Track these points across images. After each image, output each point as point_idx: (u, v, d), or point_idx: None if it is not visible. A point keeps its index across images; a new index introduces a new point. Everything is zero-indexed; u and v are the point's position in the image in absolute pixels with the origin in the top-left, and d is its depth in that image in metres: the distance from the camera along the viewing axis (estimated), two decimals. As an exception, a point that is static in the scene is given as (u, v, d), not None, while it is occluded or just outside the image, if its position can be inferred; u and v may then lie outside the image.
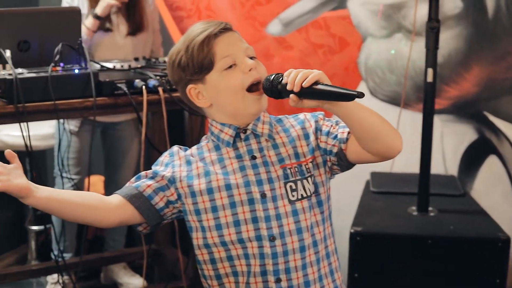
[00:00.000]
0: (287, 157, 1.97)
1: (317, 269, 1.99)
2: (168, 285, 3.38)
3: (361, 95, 1.70)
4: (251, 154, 1.97)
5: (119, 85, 2.95)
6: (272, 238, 1.94)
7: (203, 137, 2.08)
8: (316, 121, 2.00)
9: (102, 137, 4.09)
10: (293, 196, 1.95)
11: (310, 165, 1.98)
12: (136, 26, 3.81)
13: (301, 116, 2.03)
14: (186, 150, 2.07)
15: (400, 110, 3.61)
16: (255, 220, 1.94)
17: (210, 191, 1.96)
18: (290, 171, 1.95)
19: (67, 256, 4.00)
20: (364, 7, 3.80)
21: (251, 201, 1.94)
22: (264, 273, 1.96)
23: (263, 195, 1.94)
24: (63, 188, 3.81)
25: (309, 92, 1.77)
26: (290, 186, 1.95)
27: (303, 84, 1.76)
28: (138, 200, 2.00)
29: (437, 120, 3.58)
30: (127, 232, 4.28)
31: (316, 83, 1.76)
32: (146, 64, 3.38)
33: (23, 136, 2.81)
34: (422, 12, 3.34)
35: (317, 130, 1.99)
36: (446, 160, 3.75)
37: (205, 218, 1.97)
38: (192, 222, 2.00)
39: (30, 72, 2.86)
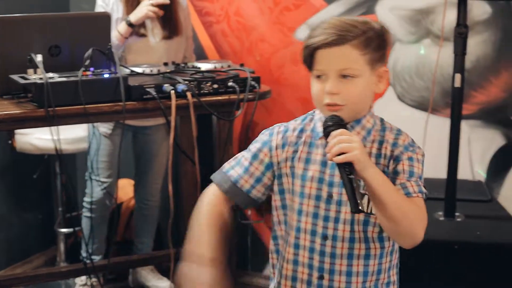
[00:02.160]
0: None
1: (362, 281, 2.02)
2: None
3: (357, 211, 1.77)
4: None
5: (148, 89, 2.98)
6: (324, 237, 2.00)
7: (313, 111, 2.11)
8: (402, 153, 1.96)
9: (133, 140, 4.12)
10: None
11: None
12: (171, 30, 3.82)
13: (401, 140, 1.99)
14: (286, 129, 2.11)
15: (427, 115, 3.61)
16: (315, 215, 2.01)
17: (292, 175, 2.04)
18: (362, 183, 1.95)
19: (96, 258, 4.04)
20: (392, 12, 3.80)
21: (318, 198, 2.01)
22: (310, 266, 2.03)
23: (330, 196, 1.99)
24: (93, 191, 3.86)
25: (337, 166, 1.83)
26: None
27: (334, 158, 1.80)
28: (237, 195, 2.09)
29: (465, 125, 3.57)
30: (156, 235, 4.32)
31: (347, 163, 1.80)
32: (175, 69, 3.41)
33: (53, 139, 2.85)
34: (450, 17, 3.34)
35: (395, 160, 1.97)
36: (473, 166, 3.74)
37: (286, 198, 2.08)
38: (276, 200, 2.11)
39: (61, 77, 2.89)
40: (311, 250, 2.02)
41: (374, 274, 2.04)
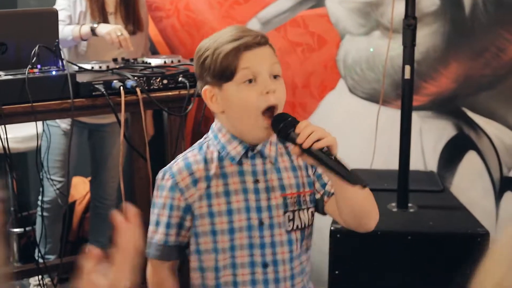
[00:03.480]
0: (288, 186, 1.95)
1: None
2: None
3: (358, 182, 1.72)
4: (255, 177, 1.94)
5: (96, 86, 2.94)
6: (265, 265, 1.94)
7: (204, 138, 2.01)
8: None
9: (89, 138, 4.08)
10: (289, 226, 1.95)
11: (308, 197, 1.98)
12: (135, 25, 3.80)
13: None
14: (189, 164, 1.97)
15: (379, 107, 3.62)
16: (251, 246, 1.94)
17: (211, 215, 1.93)
18: (290, 201, 1.95)
19: (51, 258, 3.99)
20: (341, 5, 3.81)
21: (249, 228, 1.93)
22: None
23: (261, 223, 1.93)
24: (46, 190, 3.80)
25: (314, 154, 1.74)
26: (288, 216, 1.94)
27: (312, 146, 1.73)
28: (169, 253, 1.99)
29: (416, 116, 3.60)
30: (111, 234, 4.27)
31: (324, 148, 1.74)
32: (125, 64, 3.37)
33: (0, 139, 2.80)
34: (399, 9, 3.35)
35: (312, 166, 1.97)
36: (425, 156, 3.76)
37: (203, 241, 1.95)
38: (191, 245, 1.98)
39: (7, 75, 2.84)
40: (253, 282, 1.95)
41: (307, 276, 2.05)
